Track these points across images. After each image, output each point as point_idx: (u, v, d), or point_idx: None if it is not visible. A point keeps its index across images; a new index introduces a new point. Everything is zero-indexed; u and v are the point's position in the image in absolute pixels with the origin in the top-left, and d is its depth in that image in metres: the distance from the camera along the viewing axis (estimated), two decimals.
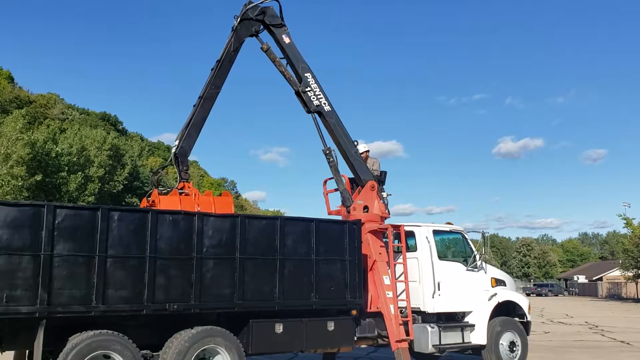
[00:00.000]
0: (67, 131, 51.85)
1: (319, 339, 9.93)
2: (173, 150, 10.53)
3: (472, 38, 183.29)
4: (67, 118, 67.34)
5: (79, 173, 44.18)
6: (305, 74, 11.43)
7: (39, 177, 39.79)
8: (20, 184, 38.02)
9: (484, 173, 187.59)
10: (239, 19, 11.02)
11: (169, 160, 10.76)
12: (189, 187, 10.19)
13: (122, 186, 50.74)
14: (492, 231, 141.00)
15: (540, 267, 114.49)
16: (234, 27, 11.01)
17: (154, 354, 8.48)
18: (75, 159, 45.85)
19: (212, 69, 10.86)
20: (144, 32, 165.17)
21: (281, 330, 9.45)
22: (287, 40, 11.38)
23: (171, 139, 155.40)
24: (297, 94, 11.48)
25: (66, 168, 44.33)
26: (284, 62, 11.48)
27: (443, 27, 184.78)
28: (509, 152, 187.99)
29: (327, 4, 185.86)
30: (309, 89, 11.37)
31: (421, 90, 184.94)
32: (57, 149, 45.35)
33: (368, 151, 12.63)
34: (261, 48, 11.30)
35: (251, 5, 11.13)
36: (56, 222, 7.73)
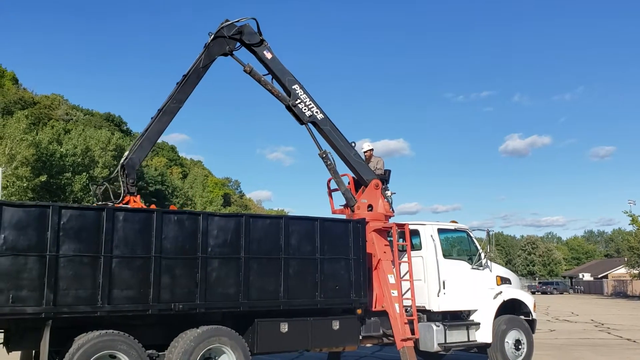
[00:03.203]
0: (71, 132, 52.03)
1: (324, 338, 9.93)
2: (121, 161, 10.09)
3: (479, 35, 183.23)
4: (72, 119, 67.53)
5: (84, 174, 44.31)
6: (293, 87, 11.18)
7: (43, 178, 39.93)
8: (25, 184, 38.14)
9: (490, 171, 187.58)
10: (213, 36, 10.60)
11: (115, 171, 10.23)
12: (134, 202, 9.58)
13: None
14: (497, 229, 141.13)
15: (545, 265, 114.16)
16: (207, 44, 10.60)
17: (159, 353, 8.51)
18: (79, 160, 45.99)
19: (177, 83, 10.37)
20: (148, 32, 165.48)
21: (286, 329, 9.45)
22: (269, 55, 11.04)
23: (176, 140, 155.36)
24: (288, 108, 11.24)
25: (71, 169, 44.48)
26: (268, 77, 11.17)
27: (450, 25, 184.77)
28: (516, 150, 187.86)
29: (332, 3, 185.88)
30: (299, 101, 11.17)
31: (428, 87, 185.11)
32: (62, 149, 45.50)
33: (372, 150, 12.61)
34: (244, 70, 10.90)
35: (227, 23, 10.72)
36: (61, 222, 7.75)
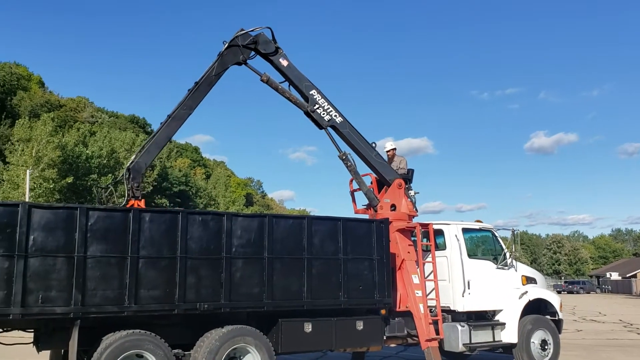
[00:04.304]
0: (96, 134, 52.74)
1: (348, 338, 9.93)
2: (127, 164, 10.04)
3: (506, 30, 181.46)
4: (97, 121, 68.45)
5: (109, 175, 44.86)
6: (311, 92, 11.15)
7: (70, 180, 40.56)
8: (51, 186, 38.80)
9: (516, 169, 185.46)
10: (227, 45, 10.55)
11: (121, 174, 10.17)
12: (138, 205, 9.44)
13: (151, 187, 51.47)
14: (522, 228, 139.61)
15: (571, 264, 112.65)
16: (221, 53, 10.53)
17: (185, 353, 8.59)
18: (105, 161, 46.62)
19: (189, 90, 10.33)
20: (173, 32, 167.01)
21: (310, 329, 9.47)
22: (284, 63, 11.01)
23: (200, 141, 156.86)
24: (307, 114, 11.22)
25: (96, 170, 45.09)
26: (285, 85, 11.16)
27: (475, 20, 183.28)
28: (542, 147, 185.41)
29: (355, 1, 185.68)
30: (317, 106, 11.15)
31: (452, 85, 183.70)
32: (87, 151, 46.17)
33: (395, 149, 12.58)
34: (261, 80, 10.88)
35: (242, 32, 10.63)
36: (89, 224, 7.88)
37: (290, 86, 11.23)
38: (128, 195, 9.60)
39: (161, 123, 10.29)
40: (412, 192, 11.91)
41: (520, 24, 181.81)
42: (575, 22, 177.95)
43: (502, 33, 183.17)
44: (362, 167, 11.74)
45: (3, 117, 53.64)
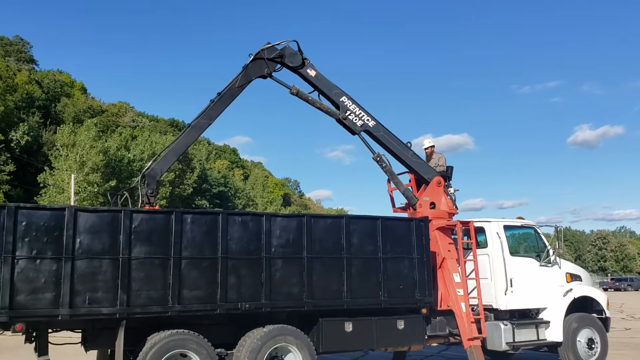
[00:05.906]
0: (137, 138, 53.87)
1: (389, 337, 9.90)
2: (143, 171, 10.07)
3: (545, 23, 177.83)
4: (138, 125, 69.86)
5: None
6: (341, 99, 11.12)
7: (113, 183, 41.55)
8: (95, 190, 39.79)
9: (559, 164, 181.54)
10: (252, 57, 10.54)
11: (136, 180, 10.19)
12: None
13: (191, 189, 52.24)
14: (566, 224, 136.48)
15: (618, 260, 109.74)
16: (245, 65, 10.53)
17: (228, 352, 8.70)
18: (146, 165, 47.54)
19: (211, 100, 10.34)
20: (212, 36, 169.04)
21: (351, 328, 9.47)
22: (312, 73, 10.99)
23: (238, 142, 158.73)
24: (339, 121, 11.18)
25: (139, 173, 45.96)
26: (315, 94, 11.14)
27: (514, 12, 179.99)
28: (586, 141, 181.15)
29: None
30: (348, 112, 11.10)
31: (492, 79, 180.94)
32: (129, 155, 47.21)
33: (433, 146, 12.46)
34: (290, 92, 10.90)
35: (268, 46, 10.66)
36: (133, 226, 8.06)
37: (320, 95, 11.23)
38: (142, 201, 9.69)
39: (181, 131, 10.37)
40: (451, 190, 11.79)
41: (560, 15, 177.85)
42: (617, 12, 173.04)
43: (541, 25, 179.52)
44: (399, 166, 11.70)
45: (48, 123, 55.25)
